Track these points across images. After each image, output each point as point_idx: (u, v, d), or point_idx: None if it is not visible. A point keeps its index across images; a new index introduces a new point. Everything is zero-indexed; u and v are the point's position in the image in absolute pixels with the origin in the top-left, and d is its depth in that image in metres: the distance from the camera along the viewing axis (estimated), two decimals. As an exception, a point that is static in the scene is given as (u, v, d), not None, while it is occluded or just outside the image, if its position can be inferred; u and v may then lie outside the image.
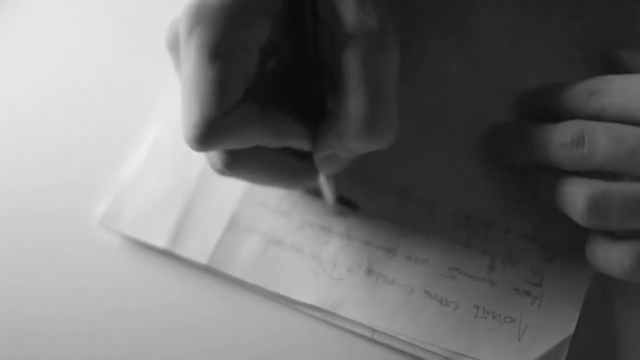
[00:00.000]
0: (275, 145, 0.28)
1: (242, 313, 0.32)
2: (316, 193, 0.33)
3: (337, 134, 0.27)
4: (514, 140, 0.30)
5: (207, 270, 0.33)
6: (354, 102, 0.26)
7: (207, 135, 0.25)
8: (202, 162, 0.34)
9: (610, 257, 0.28)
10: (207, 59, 0.25)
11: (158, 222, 0.34)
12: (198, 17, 0.25)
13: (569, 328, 0.29)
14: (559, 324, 0.29)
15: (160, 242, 0.33)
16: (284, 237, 0.33)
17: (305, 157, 0.30)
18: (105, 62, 0.39)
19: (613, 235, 0.28)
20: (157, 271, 0.33)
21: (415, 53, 0.34)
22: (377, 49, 0.26)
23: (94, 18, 0.40)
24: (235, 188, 0.34)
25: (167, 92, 0.36)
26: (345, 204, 0.33)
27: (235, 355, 0.32)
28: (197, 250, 0.33)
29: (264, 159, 0.29)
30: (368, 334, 0.31)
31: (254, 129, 0.26)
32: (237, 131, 0.26)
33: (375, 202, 0.33)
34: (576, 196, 0.28)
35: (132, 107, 0.37)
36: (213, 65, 0.25)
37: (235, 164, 0.28)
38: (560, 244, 0.31)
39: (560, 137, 0.28)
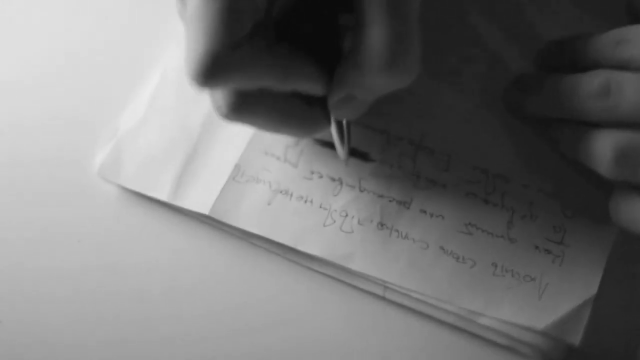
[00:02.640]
0: (284, 87, 0.26)
1: (246, 270, 0.31)
2: (326, 144, 0.31)
3: (357, 70, 0.25)
4: (538, 91, 0.29)
5: (210, 224, 0.32)
6: (376, 32, 0.24)
7: (212, 69, 0.24)
8: (204, 110, 0.33)
9: (635, 213, 0.27)
10: None
11: (159, 174, 0.32)
12: None
13: (592, 288, 0.28)
14: (581, 284, 0.28)
15: (162, 195, 0.32)
16: (291, 187, 0.31)
17: (316, 104, 0.28)
18: (107, 11, 0.37)
19: (638, 190, 0.27)
20: (157, 223, 0.32)
21: (439, 4, 0.33)
22: None
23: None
24: (239, 136, 0.32)
25: (170, 41, 0.35)
26: (357, 156, 0.31)
27: (238, 314, 0.30)
28: (199, 200, 0.31)
29: (272, 104, 0.27)
30: (379, 291, 0.29)
31: (262, 66, 0.25)
32: (244, 66, 0.24)
33: (389, 153, 0.31)
34: (603, 147, 0.27)
35: (135, 54, 0.35)
36: None
37: (242, 108, 0.26)
38: (582, 201, 0.30)
39: (586, 87, 0.27)
